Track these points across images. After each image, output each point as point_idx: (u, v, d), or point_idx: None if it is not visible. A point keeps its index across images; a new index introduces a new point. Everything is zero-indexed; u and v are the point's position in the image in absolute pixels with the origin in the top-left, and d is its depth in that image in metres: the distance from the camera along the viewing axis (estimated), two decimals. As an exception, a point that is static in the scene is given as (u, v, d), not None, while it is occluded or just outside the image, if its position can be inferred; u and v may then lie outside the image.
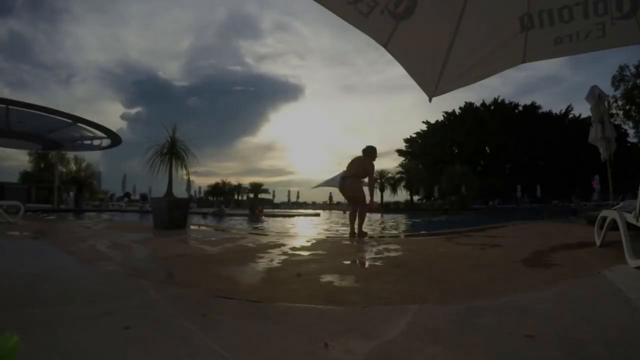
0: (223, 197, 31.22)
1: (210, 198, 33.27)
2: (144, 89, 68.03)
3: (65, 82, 64.96)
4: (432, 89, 2.67)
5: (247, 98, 71.05)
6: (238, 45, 75.77)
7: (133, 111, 73.56)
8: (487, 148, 35.96)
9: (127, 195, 26.05)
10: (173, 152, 6.82)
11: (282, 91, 76.26)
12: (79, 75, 66.99)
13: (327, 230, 9.08)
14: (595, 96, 5.08)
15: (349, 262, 3.04)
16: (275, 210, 23.05)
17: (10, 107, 11.62)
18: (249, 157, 73.34)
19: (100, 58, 70.04)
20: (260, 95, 72.82)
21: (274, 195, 30.60)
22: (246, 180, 36.40)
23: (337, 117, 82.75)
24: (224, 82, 72.09)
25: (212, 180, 37.10)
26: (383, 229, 10.11)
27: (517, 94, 66.53)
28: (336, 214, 18.24)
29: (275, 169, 74.06)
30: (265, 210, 17.74)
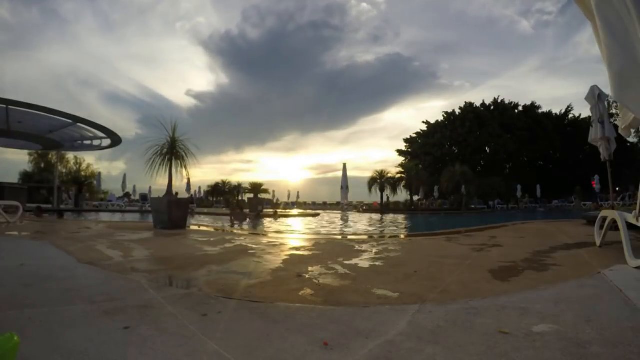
0: (223, 197, 31.16)
1: (210, 198, 33.22)
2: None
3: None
4: None
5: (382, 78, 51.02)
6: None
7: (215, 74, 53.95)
8: (487, 148, 35.88)
9: (126, 195, 26.07)
10: (173, 152, 6.82)
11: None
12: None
13: (326, 230, 9.07)
14: (595, 96, 5.06)
15: (349, 262, 3.04)
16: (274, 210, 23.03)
17: (10, 107, 11.61)
18: (307, 151, 58.93)
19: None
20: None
21: (274, 195, 30.55)
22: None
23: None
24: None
25: (251, 180, 34.42)
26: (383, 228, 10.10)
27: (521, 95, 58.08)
28: (335, 214, 18.22)
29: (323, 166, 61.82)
30: (265, 210, 17.73)
